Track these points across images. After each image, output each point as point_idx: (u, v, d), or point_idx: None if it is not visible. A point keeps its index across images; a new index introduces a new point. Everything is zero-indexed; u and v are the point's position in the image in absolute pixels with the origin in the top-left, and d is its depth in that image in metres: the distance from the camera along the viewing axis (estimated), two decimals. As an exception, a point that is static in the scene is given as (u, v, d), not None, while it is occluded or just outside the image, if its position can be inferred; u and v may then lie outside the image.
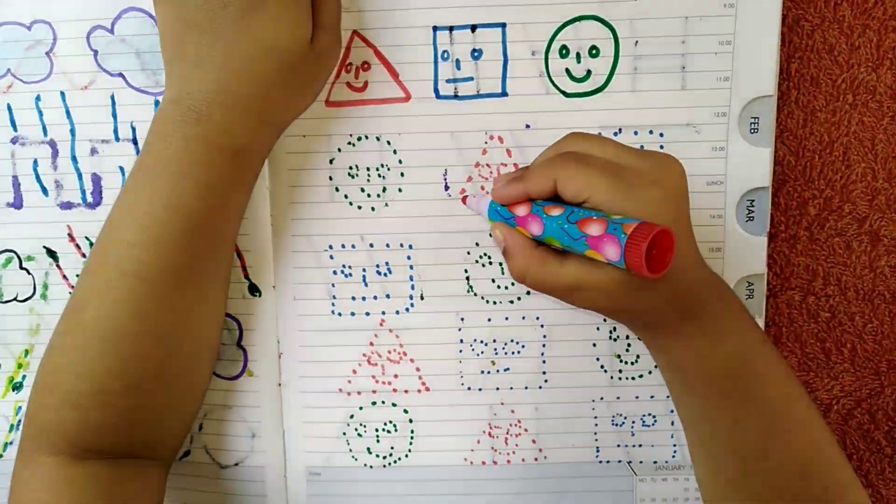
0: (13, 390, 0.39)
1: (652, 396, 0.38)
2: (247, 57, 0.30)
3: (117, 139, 0.37)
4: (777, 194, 0.38)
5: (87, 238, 0.38)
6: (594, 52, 0.35)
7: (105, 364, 0.30)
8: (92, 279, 0.31)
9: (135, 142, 0.37)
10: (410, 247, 0.36)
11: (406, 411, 0.38)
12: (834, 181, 0.38)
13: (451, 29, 0.35)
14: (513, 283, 0.37)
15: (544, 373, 0.37)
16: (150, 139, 0.31)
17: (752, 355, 0.31)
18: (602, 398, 0.38)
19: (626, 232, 0.26)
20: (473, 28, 0.35)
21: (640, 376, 0.37)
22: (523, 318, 0.37)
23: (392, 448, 0.38)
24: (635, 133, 0.35)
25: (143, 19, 0.35)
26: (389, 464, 0.38)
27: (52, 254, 0.38)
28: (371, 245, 0.36)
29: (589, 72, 0.35)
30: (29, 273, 0.38)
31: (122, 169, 0.37)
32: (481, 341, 0.37)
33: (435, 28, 0.35)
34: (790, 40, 0.37)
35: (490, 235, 0.36)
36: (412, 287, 0.37)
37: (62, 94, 0.36)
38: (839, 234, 0.38)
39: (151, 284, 0.30)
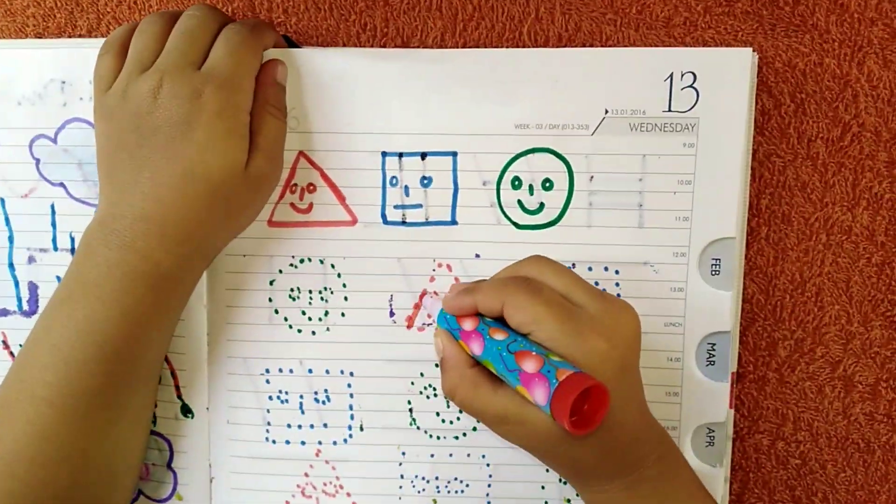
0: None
1: (608, 537, 0.37)
2: (174, 184, 0.30)
3: (56, 248, 0.37)
4: (745, 333, 0.37)
5: (20, 346, 0.37)
6: (547, 184, 0.34)
7: (6, 488, 0.30)
8: (2, 398, 0.31)
9: (73, 252, 0.37)
10: (351, 374, 0.36)
11: (341, 547, 0.37)
12: (806, 323, 0.37)
13: (400, 155, 0.35)
14: (458, 419, 0.36)
15: (489, 513, 0.36)
16: (75, 258, 0.31)
17: None
18: (550, 542, 0.37)
19: (559, 378, 0.25)
20: (423, 155, 0.35)
21: (592, 522, 0.36)
22: (468, 455, 0.36)
23: (325, 584, 0.37)
24: (589, 269, 0.35)
25: (87, 131, 0.36)
26: None
27: (-17, 360, 0.38)
28: (310, 371, 0.36)
29: (542, 204, 0.35)
30: (-40, 378, 0.38)
31: (58, 278, 0.37)
32: (423, 478, 0.36)
33: (384, 153, 0.35)
34: (761, 175, 0.36)
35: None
36: (351, 417, 0.36)
37: (2, 200, 0.37)
38: (811, 377, 0.37)
39: (59, 409, 0.30)
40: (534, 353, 0.27)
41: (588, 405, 0.27)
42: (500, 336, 0.29)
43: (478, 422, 0.36)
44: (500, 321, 0.30)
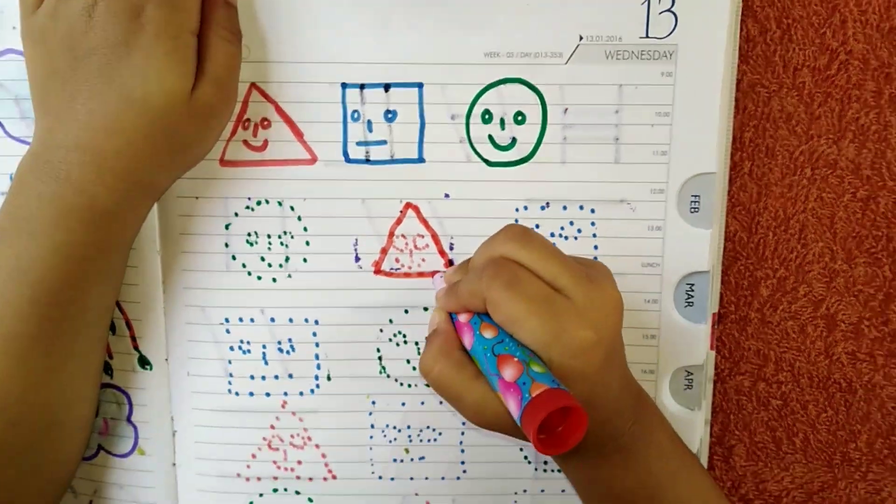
0: None
1: (584, 485, 0.38)
2: (110, 111, 0.29)
3: (-6, 193, 0.36)
4: (727, 273, 0.37)
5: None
6: (520, 118, 0.34)
7: None
8: None
9: (13, 197, 0.36)
10: (316, 322, 0.36)
11: (311, 500, 0.37)
12: (789, 261, 0.37)
13: (362, 87, 0.34)
14: (428, 365, 0.36)
15: (463, 462, 0.37)
16: (8, 194, 0.31)
17: (672, 480, 0.31)
18: (525, 490, 0.37)
19: (532, 393, 0.25)
20: (387, 87, 0.34)
21: (568, 468, 0.37)
22: (440, 402, 0.37)
23: (295, 537, 0.38)
24: (564, 208, 0.35)
25: (20, 63, 0.34)
26: (292, 554, 0.38)
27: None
28: (272, 319, 0.36)
29: (514, 139, 0.34)
30: None
31: (-1, 226, 0.36)
32: (394, 427, 0.37)
33: (344, 85, 0.34)
34: (745, 107, 0.36)
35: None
36: (318, 367, 0.36)
37: (-68, 142, 0.35)
38: (793, 317, 0.38)
39: None
40: (516, 360, 0.27)
41: (565, 425, 0.26)
42: (489, 333, 0.29)
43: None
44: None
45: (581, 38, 0.33)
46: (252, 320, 0.36)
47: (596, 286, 0.29)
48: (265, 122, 0.34)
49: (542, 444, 0.26)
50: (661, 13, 0.33)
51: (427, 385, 0.36)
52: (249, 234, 0.35)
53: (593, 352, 0.28)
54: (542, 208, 0.35)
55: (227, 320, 0.36)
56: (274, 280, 0.36)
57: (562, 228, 0.35)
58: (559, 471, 0.37)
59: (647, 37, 0.33)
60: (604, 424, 0.30)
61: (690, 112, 0.34)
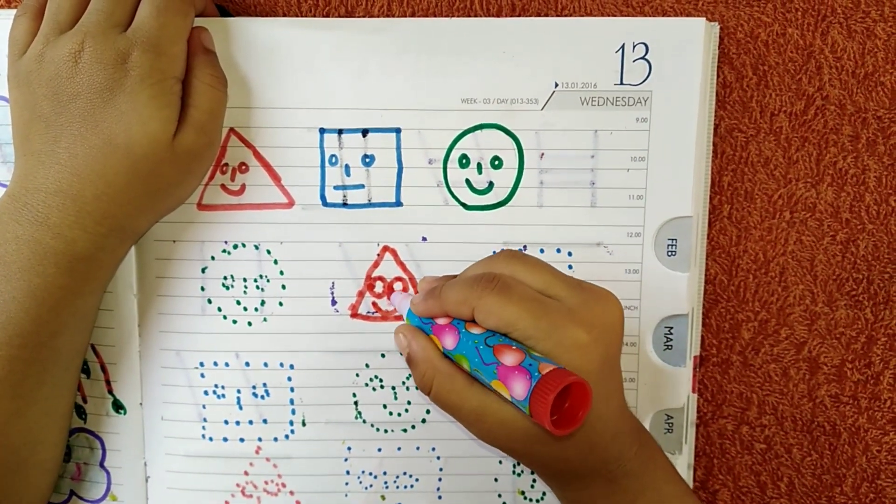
0: None
1: (566, 532, 0.39)
2: (93, 155, 0.31)
3: (-30, 236, 0.37)
4: (708, 315, 0.39)
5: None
6: (497, 162, 0.36)
7: None
8: None
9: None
10: (291, 367, 0.37)
11: (285, 547, 0.39)
12: (770, 303, 0.39)
13: (340, 132, 0.36)
14: (406, 410, 0.38)
15: (440, 508, 0.38)
16: None
17: (681, 502, 0.33)
18: (505, 537, 0.39)
19: (541, 372, 0.27)
20: (365, 132, 0.36)
21: (548, 515, 0.38)
22: (417, 448, 0.38)
23: (269, 586, 0.39)
24: (541, 251, 0.36)
25: (4, 108, 0.36)
26: None
27: None
28: (247, 364, 0.37)
29: (491, 183, 0.36)
30: None
31: (-26, 269, 0.38)
32: (370, 473, 0.38)
33: (322, 130, 0.36)
34: (723, 151, 0.38)
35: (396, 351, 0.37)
36: (293, 412, 0.38)
37: None
38: (775, 359, 0.39)
39: None
40: (514, 348, 0.28)
41: (569, 403, 0.28)
42: (476, 330, 0.30)
43: (428, 413, 0.38)
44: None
45: (557, 85, 0.35)
46: (227, 364, 0.37)
47: (589, 293, 0.31)
48: (243, 167, 0.36)
49: (553, 425, 0.26)
50: (634, 61, 0.35)
51: (404, 430, 0.38)
52: (226, 278, 0.37)
53: (588, 350, 0.29)
54: (520, 251, 0.36)
55: (201, 364, 0.37)
56: (249, 324, 0.37)
57: (540, 272, 0.37)
58: (539, 518, 0.38)
59: (622, 84, 0.35)
60: (608, 444, 0.31)
61: (666, 157, 0.35)
